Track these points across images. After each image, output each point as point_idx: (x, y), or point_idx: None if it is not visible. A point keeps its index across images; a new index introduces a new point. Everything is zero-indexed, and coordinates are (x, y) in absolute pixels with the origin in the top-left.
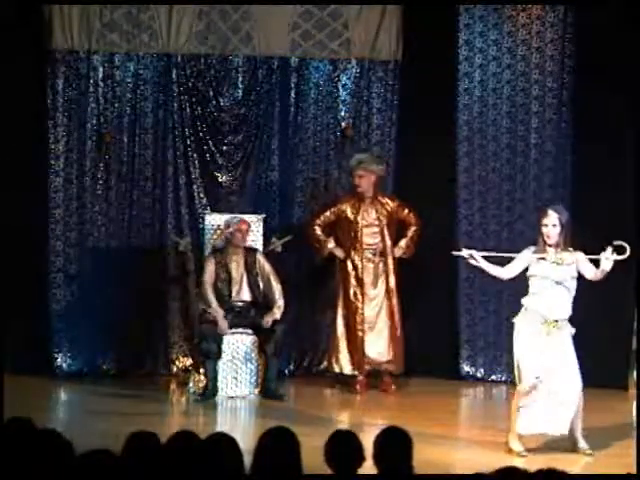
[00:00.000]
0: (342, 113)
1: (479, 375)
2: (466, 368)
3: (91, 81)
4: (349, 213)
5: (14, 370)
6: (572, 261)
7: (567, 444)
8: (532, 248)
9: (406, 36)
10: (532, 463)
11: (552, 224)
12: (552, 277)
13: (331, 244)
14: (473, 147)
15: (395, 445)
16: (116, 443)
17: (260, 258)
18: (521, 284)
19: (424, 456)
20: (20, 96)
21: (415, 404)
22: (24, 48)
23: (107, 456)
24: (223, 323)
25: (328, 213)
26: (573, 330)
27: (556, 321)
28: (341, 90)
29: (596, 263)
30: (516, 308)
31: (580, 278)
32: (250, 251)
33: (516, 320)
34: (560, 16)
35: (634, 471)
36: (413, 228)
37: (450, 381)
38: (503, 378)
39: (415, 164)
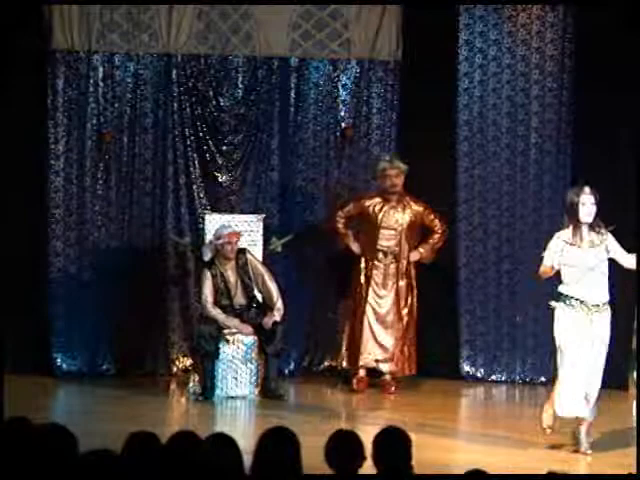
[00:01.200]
0: (342, 113)
1: (479, 375)
2: (466, 368)
3: (91, 81)
4: (371, 211)
5: (14, 370)
6: (601, 242)
7: (567, 443)
8: (560, 235)
9: (406, 36)
10: (532, 462)
11: (591, 202)
12: (585, 263)
13: (349, 238)
14: (473, 147)
15: (394, 445)
16: (116, 443)
17: (250, 258)
18: (521, 285)
19: (424, 456)
20: (20, 96)
21: (415, 404)
22: (24, 48)
23: (107, 456)
24: (245, 328)
25: (351, 207)
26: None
27: (597, 305)
28: (341, 90)
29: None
30: (515, 308)
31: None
32: (239, 253)
33: (556, 307)
34: (560, 16)
35: (634, 471)
36: (436, 235)
37: (450, 381)
38: (503, 378)
39: (415, 164)
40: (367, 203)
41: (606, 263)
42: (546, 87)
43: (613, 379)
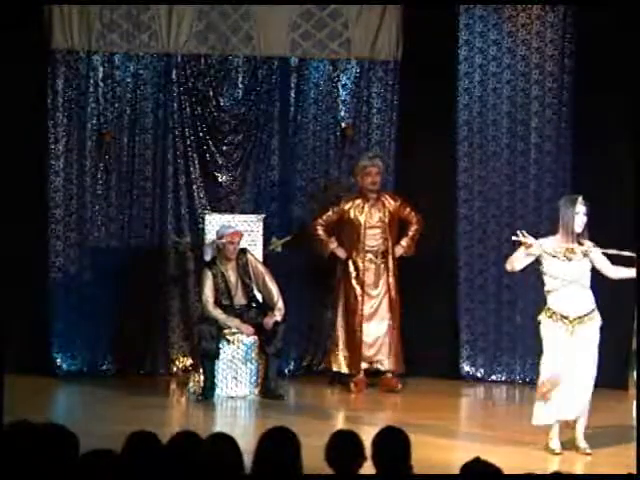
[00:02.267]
0: (342, 113)
1: (479, 375)
2: (466, 368)
3: (91, 81)
4: (352, 214)
5: (14, 370)
6: (584, 254)
7: (567, 443)
8: (543, 243)
9: (406, 36)
10: (532, 462)
11: (583, 212)
12: (565, 276)
13: (333, 244)
14: (473, 147)
15: (392, 445)
16: (116, 443)
17: (251, 258)
18: (521, 285)
19: (424, 456)
20: (20, 96)
21: (415, 404)
22: (24, 48)
23: (108, 456)
24: (246, 328)
25: (331, 213)
26: (600, 322)
27: (579, 318)
28: (341, 90)
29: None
30: (516, 308)
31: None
32: (240, 253)
33: (541, 318)
34: (560, 16)
35: (634, 471)
36: (414, 227)
37: (450, 381)
38: (503, 378)
39: (415, 164)
40: (347, 206)
41: (588, 275)
42: (546, 87)
43: (613, 379)
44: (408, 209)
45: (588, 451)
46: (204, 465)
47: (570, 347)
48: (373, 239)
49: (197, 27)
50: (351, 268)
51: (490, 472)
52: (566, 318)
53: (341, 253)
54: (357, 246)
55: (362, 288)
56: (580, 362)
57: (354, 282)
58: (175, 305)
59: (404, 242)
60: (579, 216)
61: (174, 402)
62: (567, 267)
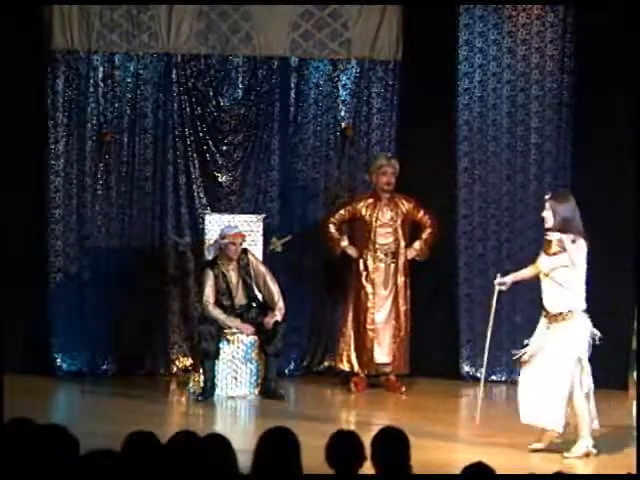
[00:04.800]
0: (342, 113)
1: (479, 375)
2: (466, 368)
3: (91, 81)
4: (364, 212)
5: (14, 370)
6: (561, 250)
7: (570, 444)
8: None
9: (406, 36)
10: (532, 462)
11: (546, 210)
12: (541, 269)
13: (344, 242)
14: (473, 147)
15: (392, 445)
16: (116, 443)
17: (252, 259)
18: (521, 285)
19: (424, 456)
20: (20, 96)
21: (415, 404)
22: (24, 48)
23: (107, 456)
24: (246, 328)
25: (343, 211)
26: (585, 324)
27: (554, 315)
28: (341, 90)
29: None
30: (515, 308)
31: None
32: (241, 253)
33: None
34: (560, 16)
35: (634, 471)
36: (428, 230)
37: (450, 381)
38: (503, 378)
39: (415, 164)
40: (359, 205)
41: (560, 271)
42: (546, 87)
43: (613, 379)
44: (422, 212)
45: (593, 450)
46: (201, 465)
47: (544, 341)
48: (383, 237)
49: (197, 27)
50: (361, 267)
51: (489, 476)
52: (546, 312)
53: (352, 252)
54: (368, 244)
55: (372, 287)
56: (550, 365)
57: (364, 281)
58: (175, 305)
59: (417, 245)
60: (544, 213)
61: (174, 402)
62: (542, 261)
